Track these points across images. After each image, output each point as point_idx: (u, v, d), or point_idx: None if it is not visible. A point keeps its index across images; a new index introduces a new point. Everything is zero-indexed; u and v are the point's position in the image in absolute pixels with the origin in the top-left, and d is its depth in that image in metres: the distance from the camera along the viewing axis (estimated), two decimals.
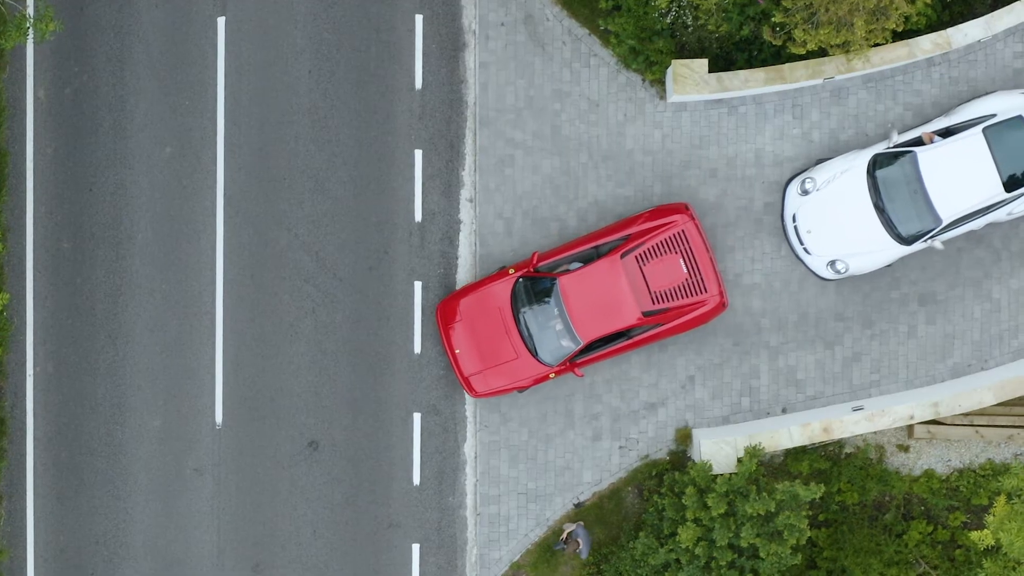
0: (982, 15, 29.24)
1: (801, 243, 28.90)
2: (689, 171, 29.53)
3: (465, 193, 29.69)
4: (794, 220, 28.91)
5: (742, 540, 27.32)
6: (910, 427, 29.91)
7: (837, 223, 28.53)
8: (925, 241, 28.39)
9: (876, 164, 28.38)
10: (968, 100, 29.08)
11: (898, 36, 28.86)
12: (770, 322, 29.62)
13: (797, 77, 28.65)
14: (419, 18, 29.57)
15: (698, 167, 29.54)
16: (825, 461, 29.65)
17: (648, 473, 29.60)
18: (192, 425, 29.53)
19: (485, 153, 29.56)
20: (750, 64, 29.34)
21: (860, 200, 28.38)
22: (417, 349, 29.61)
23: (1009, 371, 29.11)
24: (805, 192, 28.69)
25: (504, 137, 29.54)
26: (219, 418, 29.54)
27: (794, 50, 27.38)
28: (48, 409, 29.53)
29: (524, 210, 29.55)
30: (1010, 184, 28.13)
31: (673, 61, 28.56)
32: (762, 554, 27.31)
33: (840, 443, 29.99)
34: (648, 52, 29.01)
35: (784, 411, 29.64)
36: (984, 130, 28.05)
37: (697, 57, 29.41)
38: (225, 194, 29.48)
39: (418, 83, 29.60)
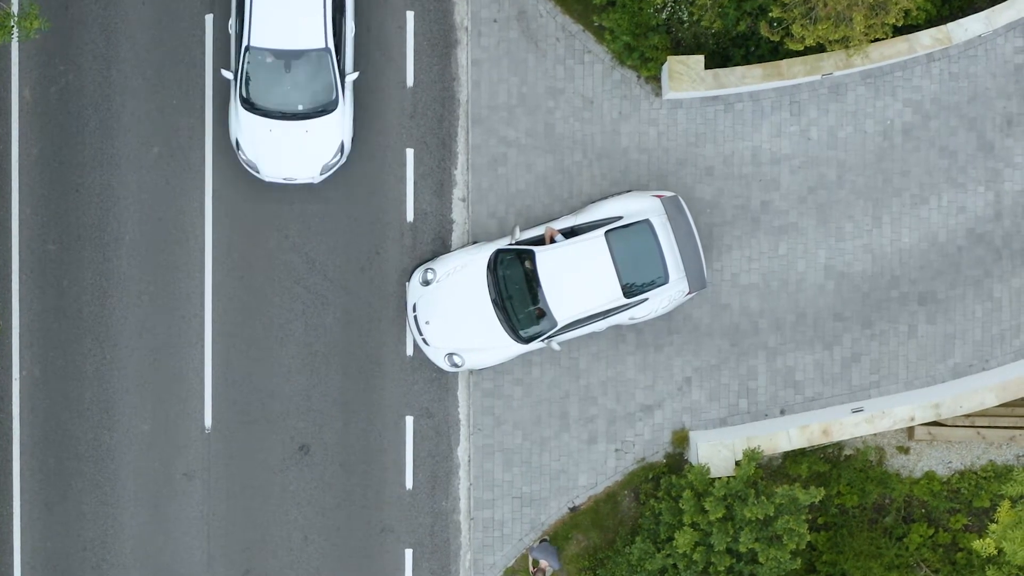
0: (982, 10, 28.97)
1: (420, 333, 28.53)
2: (685, 169, 29.21)
3: (458, 192, 29.39)
4: (415, 310, 28.54)
5: (740, 545, 27.07)
6: (910, 429, 29.67)
7: (455, 317, 28.23)
8: (542, 341, 28.14)
9: (497, 260, 28.09)
10: (600, 199, 28.81)
11: (897, 31, 28.58)
12: (768, 322, 29.32)
13: (795, 73, 28.33)
14: (410, 15, 29.27)
15: (694, 165, 29.23)
16: (824, 463, 29.39)
17: (644, 476, 29.32)
18: (181, 429, 29.26)
19: (478, 152, 29.25)
20: (747, 60, 29.05)
21: (479, 296, 28.14)
22: (409, 351, 29.33)
23: (1011, 371, 28.91)
24: (426, 283, 28.42)
25: (497, 135, 29.22)
26: (208, 422, 29.26)
27: (791, 46, 27.11)
28: (35, 414, 29.24)
29: (518, 209, 29.23)
30: (630, 290, 27.83)
31: (668, 58, 28.28)
32: (761, 559, 27.08)
33: (839, 445, 29.74)
34: (643, 48, 28.71)
35: (782, 413, 29.39)
36: (606, 234, 27.78)
37: (693, 53, 29.11)
38: (214, 194, 29.20)
39: (409, 81, 29.30)
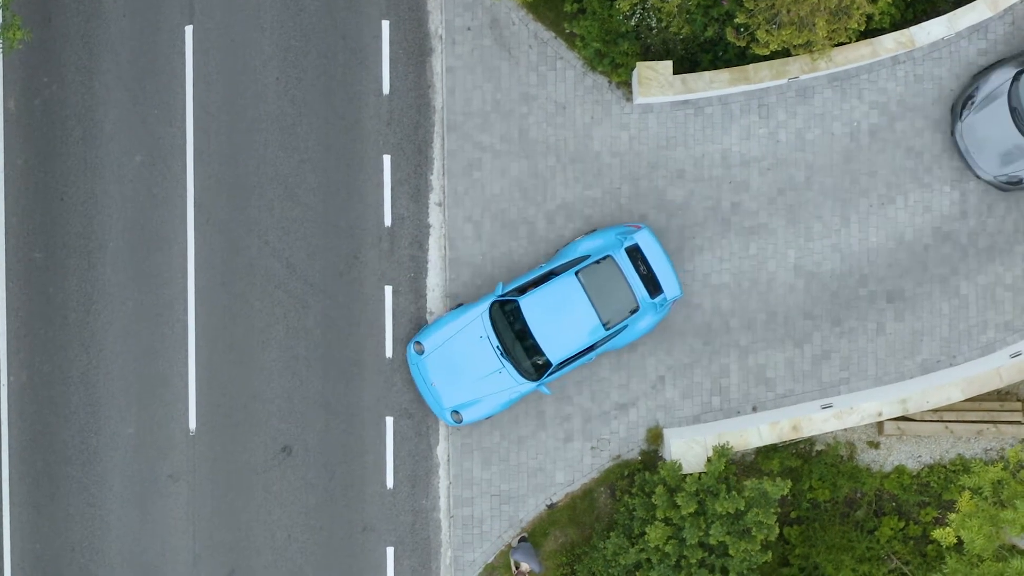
0: (945, 13, 29.37)
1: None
2: (656, 172, 29.66)
3: (434, 197, 29.83)
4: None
5: (712, 538, 27.45)
6: (880, 424, 30.05)
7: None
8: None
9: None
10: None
11: (864, 35, 28.99)
12: (739, 321, 29.75)
13: (762, 77, 28.78)
14: (385, 24, 29.70)
15: (665, 168, 29.67)
16: (796, 459, 29.79)
17: (620, 473, 29.73)
18: (166, 432, 29.64)
19: (453, 157, 29.69)
20: (715, 65, 29.47)
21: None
22: (389, 353, 29.75)
23: (977, 367, 29.25)
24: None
25: (472, 141, 29.67)
26: (192, 424, 29.65)
27: (757, 51, 27.50)
28: (22, 418, 29.60)
29: (493, 213, 29.68)
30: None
31: (637, 64, 28.68)
32: (732, 551, 27.46)
33: (811, 440, 30.13)
34: (613, 55, 29.14)
35: (754, 409, 29.76)
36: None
37: (662, 59, 29.55)
38: (195, 202, 29.60)
39: (385, 88, 29.74)
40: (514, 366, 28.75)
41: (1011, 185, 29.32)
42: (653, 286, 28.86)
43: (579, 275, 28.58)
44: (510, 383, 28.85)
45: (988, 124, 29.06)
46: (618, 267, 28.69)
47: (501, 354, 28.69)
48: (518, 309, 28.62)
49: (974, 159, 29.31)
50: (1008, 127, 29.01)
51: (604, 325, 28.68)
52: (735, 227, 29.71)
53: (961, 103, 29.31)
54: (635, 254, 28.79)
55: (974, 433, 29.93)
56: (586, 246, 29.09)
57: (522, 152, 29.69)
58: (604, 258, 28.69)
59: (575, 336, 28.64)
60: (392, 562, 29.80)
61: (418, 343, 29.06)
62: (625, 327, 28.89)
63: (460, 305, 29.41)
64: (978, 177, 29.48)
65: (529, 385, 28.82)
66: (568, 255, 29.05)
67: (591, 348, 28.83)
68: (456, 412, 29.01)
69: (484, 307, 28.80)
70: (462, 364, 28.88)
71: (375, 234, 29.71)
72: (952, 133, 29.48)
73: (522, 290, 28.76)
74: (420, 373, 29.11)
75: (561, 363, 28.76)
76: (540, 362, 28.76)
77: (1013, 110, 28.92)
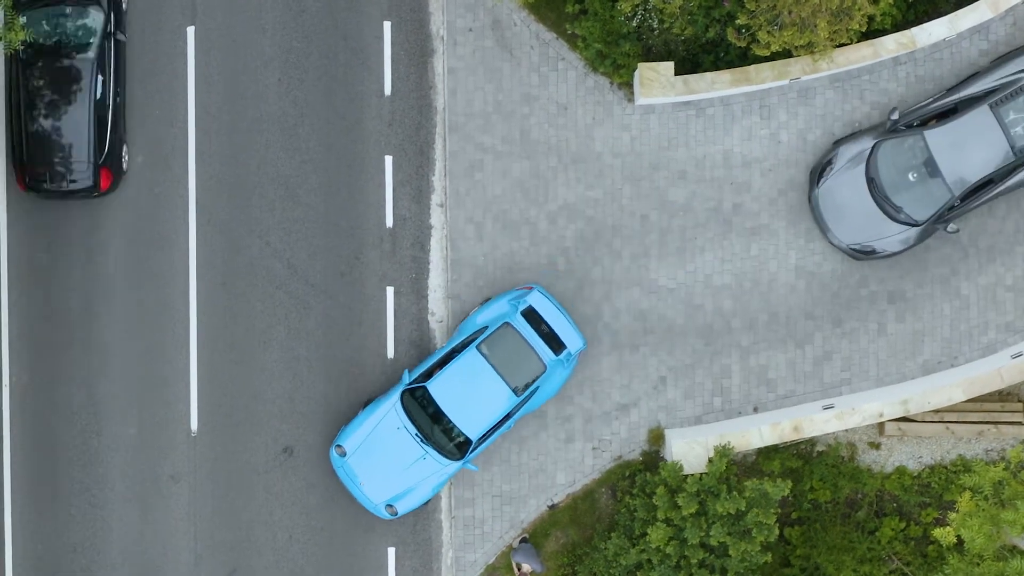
0: (946, 14, 29.40)
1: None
2: (658, 173, 29.69)
3: (436, 198, 29.86)
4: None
5: (712, 539, 27.48)
6: (881, 424, 30.07)
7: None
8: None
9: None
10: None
11: (865, 36, 29.02)
12: (741, 322, 29.78)
13: (763, 78, 28.82)
14: (387, 25, 29.74)
15: (667, 169, 29.70)
16: (797, 460, 29.81)
17: (621, 474, 29.76)
18: (167, 433, 29.66)
19: (455, 158, 29.72)
20: (717, 66, 29.50)
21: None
22: (390, 354, 29.78)
23: (978, 367, 29.27)
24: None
25: (473, 142, 29.70)
26: (194, 425, 29.68)
27: (758, 52, 27.54)
28: (24, 419, 29.62)
29: (495, 214, 29.71)
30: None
31: (639, 64, 28.72)
32: (732, 552, 27.48)
33: (812, 441, 30.15)
34: (615, 55, 29.17)
35: (756, 410, 29.79)
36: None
37: (664, 60, 29.58)
38: (196, 202, 29.63)
39: (387, 89, 29.78)
40: (436, 450, 28.68)
41: (863, 254, 29.31)
42: (555, 343, 28.83)
43: (481, 348, 28.53)
44: (436, 467, 28.76)
45: (845, 192, 29.08)
46: (518, 332, 28.62)
47: (421, 441, 28.61)
48: (428, 394, 28.58)
49: (828, 226, 29.30)
50: (864, 197, 29.03)
51: (515, 392, 28.65)
52: (736, 228, 29.74)
53: (819, 169, 29.30)
54: (532, 316, 28.76)
55: (975, 434, 29.96)
56: (483, 317, 29.05)
57: (524, 153, 29.73)
58: (502, 326, 28.64)
59: (489, 409, 28.59)
60: (393, 562, 29.82)
61: (339, 446, 28.93)
62: (537, 389, 28.89)
63: (371, 401, 29.35)
64: (831, 243, 29.46)
65: (455, 465, 28.74)
66: (467, 330, 29.00)
67: (508, 416, 28.81)
68: (390, 505, 28.95)
69: (395, 398, 28.74)
70: (385, 458, 28.78)
71: (377, 235, 29.74)
72: (808, 199, 29.45)
73: (429, 374, 28.74)
74: (347, 475, 29.00)
75: (481, 438, 28.75)
76: (460, 440, 28.71)
77: (870, 180, 28.93)
